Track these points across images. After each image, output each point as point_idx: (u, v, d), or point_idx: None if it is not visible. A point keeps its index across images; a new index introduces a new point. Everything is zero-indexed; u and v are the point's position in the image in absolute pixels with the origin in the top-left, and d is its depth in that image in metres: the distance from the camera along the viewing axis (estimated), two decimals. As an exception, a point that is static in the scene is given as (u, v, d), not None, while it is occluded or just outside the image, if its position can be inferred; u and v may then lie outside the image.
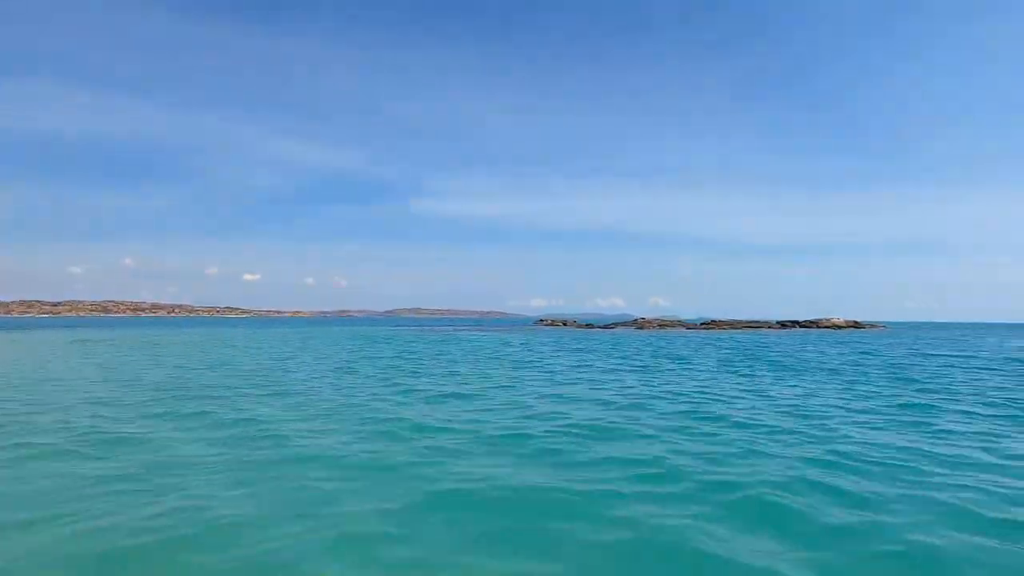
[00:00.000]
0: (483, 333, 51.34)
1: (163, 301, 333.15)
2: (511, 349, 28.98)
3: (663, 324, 77.51)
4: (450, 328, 72.72)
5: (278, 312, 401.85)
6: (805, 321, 77.45)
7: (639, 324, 77.12)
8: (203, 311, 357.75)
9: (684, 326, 75.68)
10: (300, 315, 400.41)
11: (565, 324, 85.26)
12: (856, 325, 79.70)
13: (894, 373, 18.39)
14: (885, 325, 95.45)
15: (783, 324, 77.48)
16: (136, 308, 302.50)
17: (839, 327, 77.46)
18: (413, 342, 35.49)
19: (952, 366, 21.32)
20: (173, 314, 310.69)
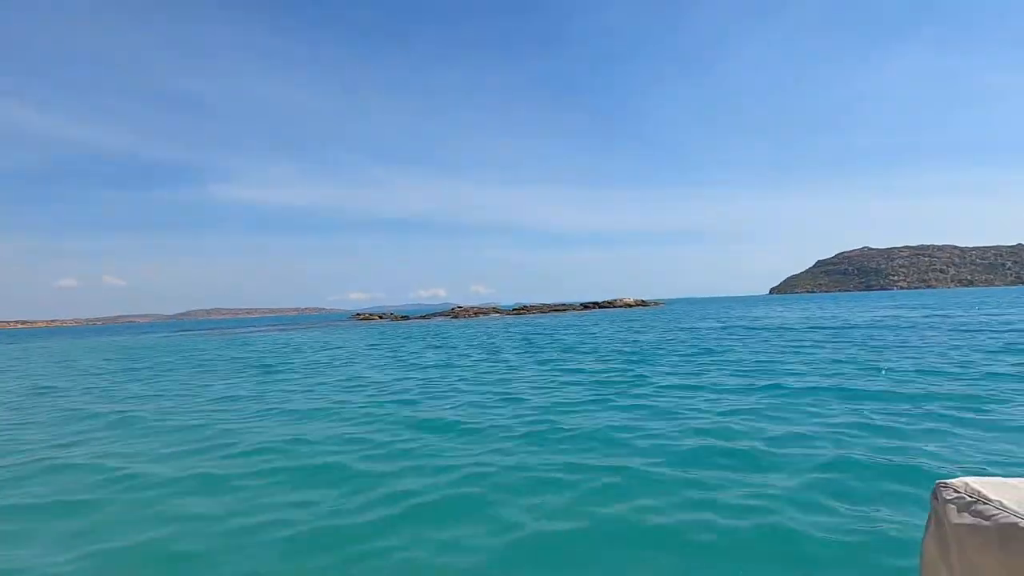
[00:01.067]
0: (278, 333, 45.44)
1: None
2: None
3: (479, 312, 78.00)
4: (242, 330, 63.84)
5: (24, 323, 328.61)
6: (603, 302, 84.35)
7: (455, 313, 76.55)
8: None
9: (498, 312, 77.06)
10: (59, 324, 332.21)
11: (382, 317, 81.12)
12: (643, 303, 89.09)
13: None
14: (664, 302, 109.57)
15: (585, 306, 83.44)
16: None
17: (630, 306, 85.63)
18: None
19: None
20: None
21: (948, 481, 1.01)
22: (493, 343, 23.62)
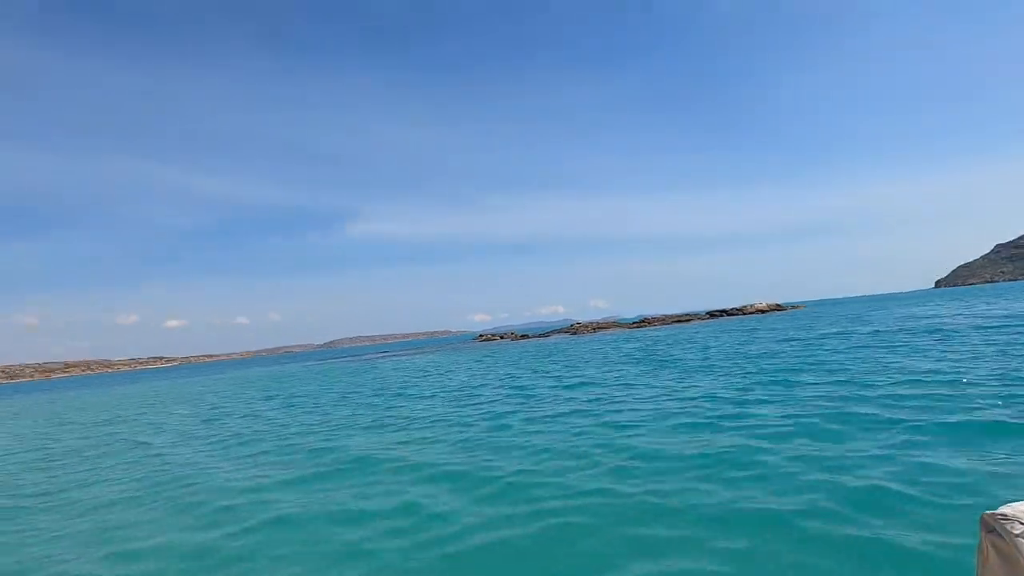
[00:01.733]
0: (406, 357, 48.80)
1: (74, 358, 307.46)
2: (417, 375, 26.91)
3: (599, 327, 77.35)
4: (375, 355, 69.37)
5: (209, 357, 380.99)
6: (732, 309, 79.31)
7: (574, 329, 76.61)
8: (122, 364, 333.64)
9: (619, 326, 75.83)
10: (234, 357, 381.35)
11: (502, 337, 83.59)
12: (778, 308, 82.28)
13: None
14: (805, 304, 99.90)
15: (711, 314, 79.09)
16: (46, 370, 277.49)
17: (763, 311, 79.68)
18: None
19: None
20: (88, 371, 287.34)
21: (1000, 511, 0.92)
22: (607, 360, 23.36)
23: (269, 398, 21.72)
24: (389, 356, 58.14)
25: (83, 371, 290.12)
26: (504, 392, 15.70)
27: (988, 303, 40.05)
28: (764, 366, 15.75)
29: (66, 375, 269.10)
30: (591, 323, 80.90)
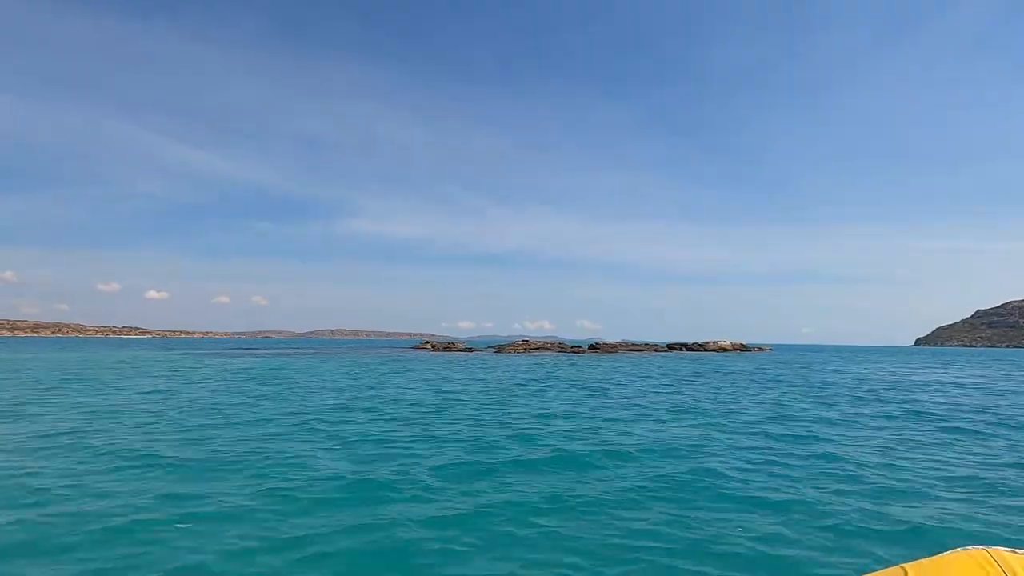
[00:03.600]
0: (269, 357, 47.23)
1: (47, 319, 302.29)
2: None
3: (534, 347, 72.52)
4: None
5: (186, 333, 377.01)
6: (693, 344, 78.17)
7: (520, 347, 72.47)
8: (96, 331, 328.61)
9: (560, 348, 72.53)
10: (212, 336, 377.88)
11: (444, 348, 79.43)
12: (743, 348, 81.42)
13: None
14: (772, 348, 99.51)
15: (670, 347, 78.25)
16: (13, 327, 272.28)
17: (725, 350, 78.75)
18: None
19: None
20: (58, 334, 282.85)
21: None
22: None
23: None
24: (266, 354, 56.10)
25: (53, 333, 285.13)
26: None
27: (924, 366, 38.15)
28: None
29: (34, 335, 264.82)
30: (539, 341, 78.38)
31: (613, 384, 23.49)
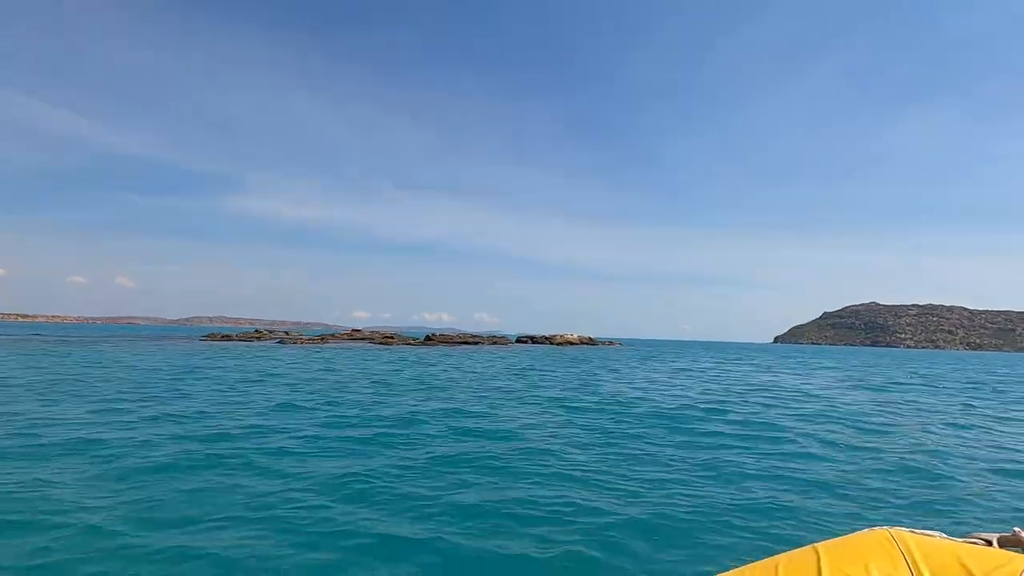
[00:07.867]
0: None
1: None
2: None
3: (360, 337, 68.49)
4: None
5: (24, 316, 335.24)
6: (540, 337, 79.23)
7: (353, 335, 68.58)
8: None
9: (384, 340, 68.02)
10: (57, 320, 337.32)
11: (233, 337, 70.89)
12: (590, 341, 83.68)
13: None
14: (621, 343, 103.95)
15: (520, 340, 78.66)
16: None
17: (572, 343, 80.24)
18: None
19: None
20: None
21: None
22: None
23: None
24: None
25: None
26: None
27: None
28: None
29: None
30: (374, 332, 74.48)
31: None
